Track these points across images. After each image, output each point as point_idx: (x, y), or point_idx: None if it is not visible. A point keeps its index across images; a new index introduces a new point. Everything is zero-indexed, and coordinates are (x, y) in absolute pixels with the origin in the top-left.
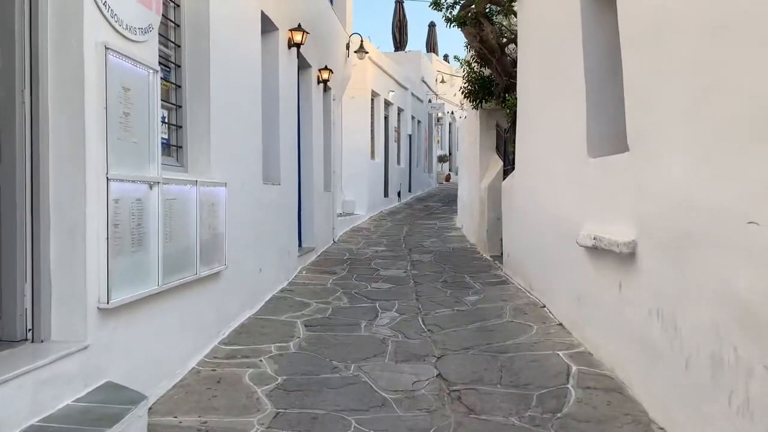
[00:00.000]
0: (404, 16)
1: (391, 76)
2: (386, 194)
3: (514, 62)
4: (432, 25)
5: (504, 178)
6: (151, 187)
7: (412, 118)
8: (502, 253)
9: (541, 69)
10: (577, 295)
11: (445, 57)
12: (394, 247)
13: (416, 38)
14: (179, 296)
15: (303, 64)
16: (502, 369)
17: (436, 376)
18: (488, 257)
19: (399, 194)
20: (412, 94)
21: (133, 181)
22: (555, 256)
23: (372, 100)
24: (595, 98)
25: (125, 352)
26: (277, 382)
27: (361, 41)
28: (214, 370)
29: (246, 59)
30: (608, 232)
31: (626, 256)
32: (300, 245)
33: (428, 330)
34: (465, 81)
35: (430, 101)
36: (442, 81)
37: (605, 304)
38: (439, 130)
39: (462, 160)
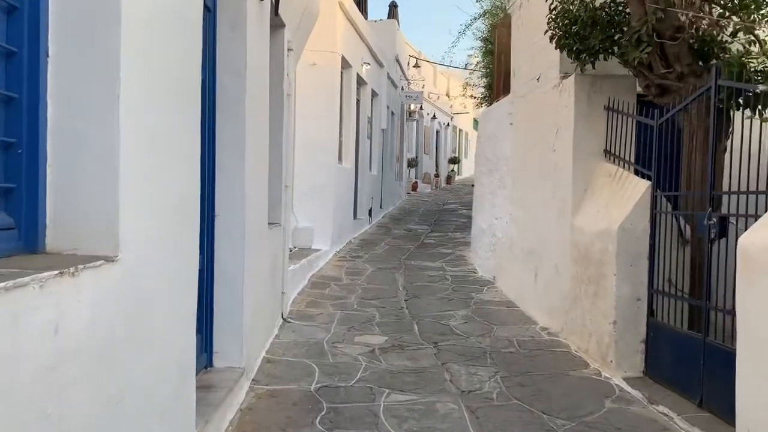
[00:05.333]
0: None
1: (366, 44)
2: (355, 215)
3: None
4: (394, 5)
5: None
6: None
7: (387, 107)
8: (646, 371)
9: None
10: None
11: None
12: (399, 333)
13: (376, 17)
14: None
15: None
16: None
17: None
18: (622, 384)
19: (370, 212)
20: (388, 75)
21: None
22: None
23: (341, 72)
24: None
25: None
26: None
27: None
28: None
29: None
30: None
31: None
32: (208, 366)
33: None
34: (553, 17)
35: (402, 88)
36: (416, 65)
37: None
38: (409, 126)
39: (495, 169)
